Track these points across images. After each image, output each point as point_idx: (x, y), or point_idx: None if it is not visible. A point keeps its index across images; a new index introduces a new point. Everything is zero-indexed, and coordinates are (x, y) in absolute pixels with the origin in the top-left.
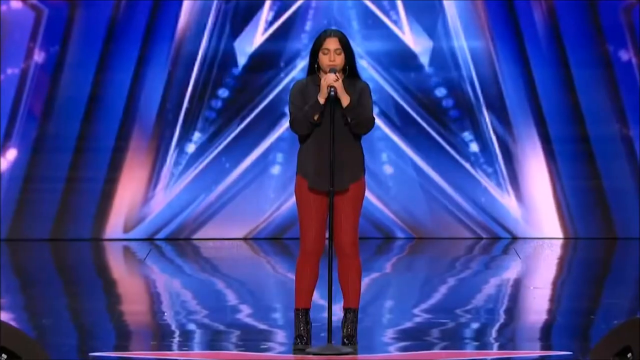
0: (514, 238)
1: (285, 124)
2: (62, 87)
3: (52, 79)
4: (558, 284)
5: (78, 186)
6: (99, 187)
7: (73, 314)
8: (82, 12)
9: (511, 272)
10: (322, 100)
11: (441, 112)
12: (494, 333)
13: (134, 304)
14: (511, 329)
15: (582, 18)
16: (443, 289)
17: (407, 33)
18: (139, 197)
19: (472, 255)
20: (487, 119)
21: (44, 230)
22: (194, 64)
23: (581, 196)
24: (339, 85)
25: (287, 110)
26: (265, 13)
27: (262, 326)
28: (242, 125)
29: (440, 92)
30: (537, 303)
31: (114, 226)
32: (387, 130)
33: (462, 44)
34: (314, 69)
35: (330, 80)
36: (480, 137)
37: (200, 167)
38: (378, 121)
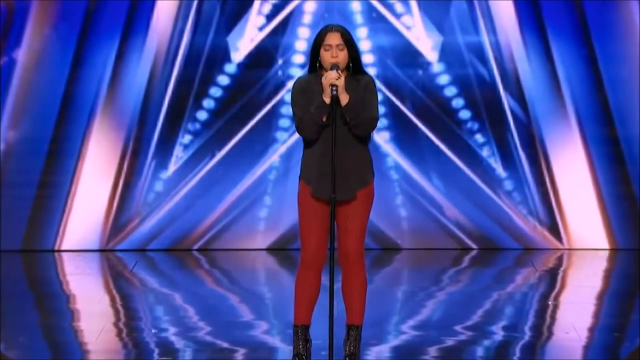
0: (529, 249)
1: (282, 126)
2: (34, 85)
3: (23, 76)
4: (581, 299)
5: (51, 193)
6: (75, 194)
7: (50, 331)
8: (56, 5)
9: (529, 286)
10: (327, 100)
11: (451, 113)
12: (517, 352)
13: (117, 320)
14: (531, 347)
15: (611, 11)
16: (452, 304)
17: (415, 27)
18: (119, 204)
19: (484, 267)
20: (508, 116)
21: (15, 241)
22: (183, 60)
23: (612, 203)
24: (340, 83)
25: (283, 110)
26: (260, 4)
27: (258, 343)
28: (230, 125)
29: (451, 91)
30: (558, 319)
31: (93, 236)
32: (389, 130)
33: (476, 38)
34: (315, 67)
35: (332, 78)
36: (496, 139)
37: (193, 172)
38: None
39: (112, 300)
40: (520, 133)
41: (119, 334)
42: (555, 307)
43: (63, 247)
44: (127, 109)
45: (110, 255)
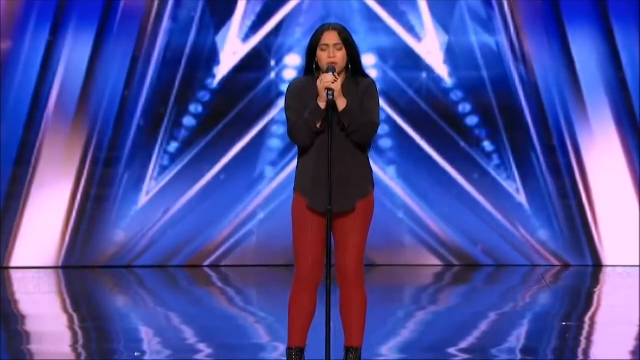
0: (534, 265)
1: (275, 133)
2: (4, 87)
3: None
4: (606, 319)
5: (22, 204)
6: (51, 205)
7: (28, 356)
8: (25, 2)
9: (539, 305)
10: (322, 105)
11: (458, 119)
12: None
13: (99, 341)
14: None
15: (633, 6)
16: (470, 325)
17: (419, 26)
18: (101, 216)
19: (493, 284)
20: (528, 121)
21: None
22: (164, 61)
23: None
24: (336, 86)
25: (275, 116)
26: (252, 3)
27: None
28: (223, 134)
29: (457, 95)
30: (577, 341)
31: (67, 252)
32: (391, 132)
33: (487, 38)
34: (312, 68)
35: (327, 81)
36: (512, 146)
37: (185, 184)
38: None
39: (96, 318)
40: (541, 138)
41: (100, 355)
42: (576, 328)
43: (40, 264)
44: (98, 114)
45: (72, 273)
